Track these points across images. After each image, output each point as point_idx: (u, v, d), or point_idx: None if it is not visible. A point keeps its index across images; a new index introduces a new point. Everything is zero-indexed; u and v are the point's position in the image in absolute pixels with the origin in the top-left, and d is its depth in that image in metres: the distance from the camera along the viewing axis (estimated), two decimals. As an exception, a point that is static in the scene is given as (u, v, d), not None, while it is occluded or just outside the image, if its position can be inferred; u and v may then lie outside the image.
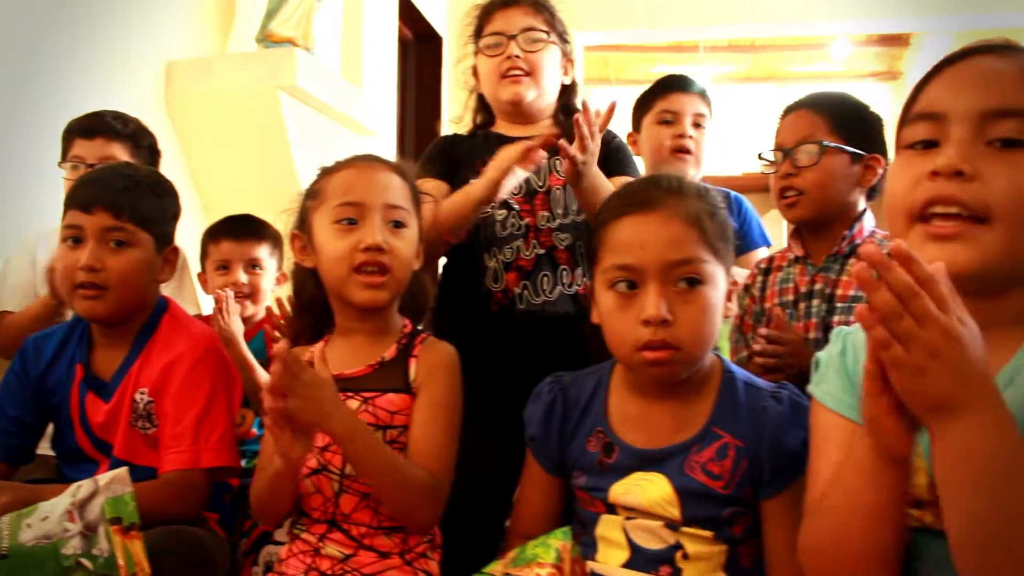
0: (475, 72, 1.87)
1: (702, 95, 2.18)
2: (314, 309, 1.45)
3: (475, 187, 1.63)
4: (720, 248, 1.21)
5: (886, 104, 6.53)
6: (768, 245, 2.30)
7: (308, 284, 1.44)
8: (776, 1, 4.62)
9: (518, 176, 1.59)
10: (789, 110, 1.73)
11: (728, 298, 1.23)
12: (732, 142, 4.93)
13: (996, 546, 0.79)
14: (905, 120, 0.98)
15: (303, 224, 1.42)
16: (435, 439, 1.30)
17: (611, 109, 1.58)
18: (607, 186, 1.56)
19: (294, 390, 1.15)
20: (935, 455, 0.83)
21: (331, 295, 1.40)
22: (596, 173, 1.56)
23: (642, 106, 2.20)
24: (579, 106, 1.80)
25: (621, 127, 2.06)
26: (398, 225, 1.37)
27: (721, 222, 1.22)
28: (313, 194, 1.41)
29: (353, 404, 1.32)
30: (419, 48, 4.53)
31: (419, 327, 1.44)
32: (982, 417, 0.79)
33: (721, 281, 1.20)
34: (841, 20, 4.91)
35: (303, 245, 1.42)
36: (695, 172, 2.12)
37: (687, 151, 2.12)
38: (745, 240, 2.20)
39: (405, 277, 1.39)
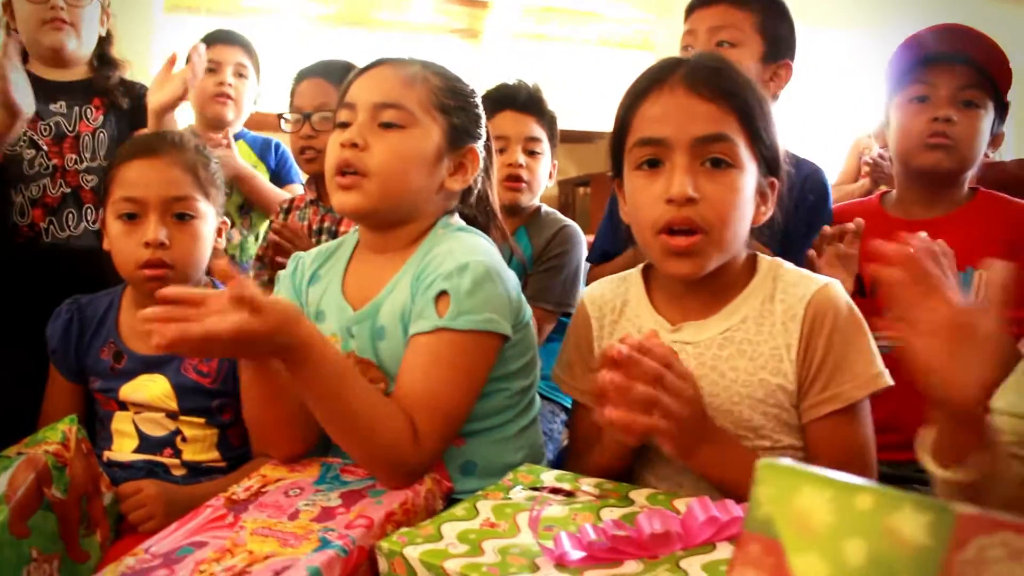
0: (8, 10, 1.91)
1: (245, 47, 2.40)
2: None
3: None
4: (211, 192, 1.50)
5: (469, 61, 7.13)
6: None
7: None
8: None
9: (22, 83, 1.65)
10: (303, 76, 2.05)
11: (219, 234, 1.53)
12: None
13: (338, 433, 1.13)
14: (338, 107, 1.32)
15: None
16: None
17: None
18: None
19: None
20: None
21: None
22: None
23: None
24: (114, 54, 1.97)
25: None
26: None
27: (213, 173, 1.52)
28: None
29: None
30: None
31: None
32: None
33: (211, 218, 1.51)
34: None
35: None
36: (234, 116, 2.36)
37: (227, 96, 2.35)
38: (283, 179, 2.47)
39: None
